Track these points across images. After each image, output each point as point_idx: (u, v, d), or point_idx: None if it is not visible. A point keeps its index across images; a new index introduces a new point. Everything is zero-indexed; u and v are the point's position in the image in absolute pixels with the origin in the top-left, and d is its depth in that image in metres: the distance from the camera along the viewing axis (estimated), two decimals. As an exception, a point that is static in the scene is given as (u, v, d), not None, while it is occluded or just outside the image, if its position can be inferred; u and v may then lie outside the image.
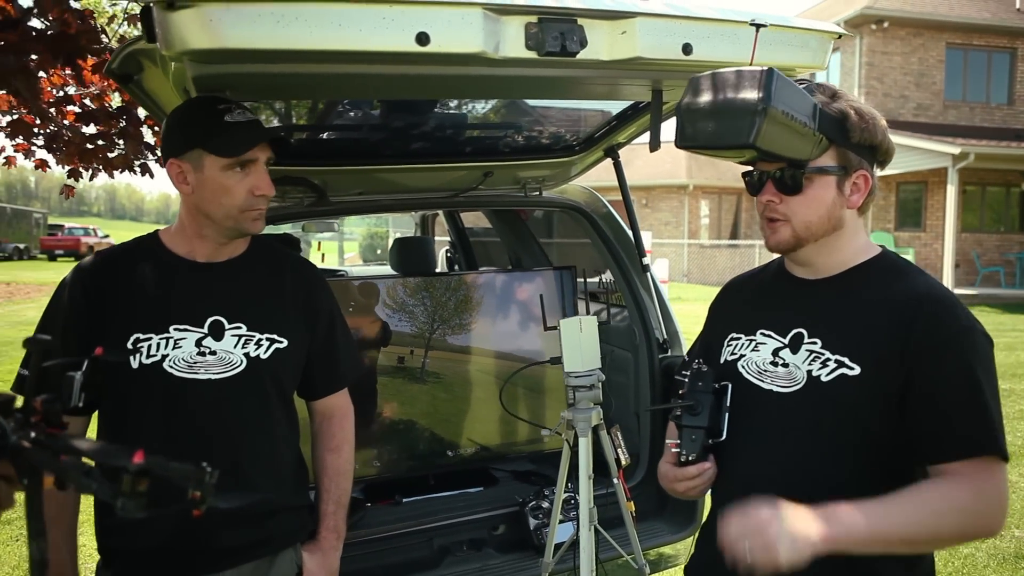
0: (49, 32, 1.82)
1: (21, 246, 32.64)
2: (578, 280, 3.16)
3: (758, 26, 1.48)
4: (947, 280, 15.56)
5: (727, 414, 1.47)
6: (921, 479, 1.39)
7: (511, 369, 3.03)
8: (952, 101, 18.94)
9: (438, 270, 4.01)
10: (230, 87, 1.72)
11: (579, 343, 2.16)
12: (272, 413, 1.78)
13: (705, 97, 1.37)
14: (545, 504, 2.65)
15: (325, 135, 2.56)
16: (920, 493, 1.34)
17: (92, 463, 0.92)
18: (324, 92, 1.81)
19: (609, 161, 2.90)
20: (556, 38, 1.62)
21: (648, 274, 2.93)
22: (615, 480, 2.24)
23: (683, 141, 1.42)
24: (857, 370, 1.39)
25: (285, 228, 5.58)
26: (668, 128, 1.86)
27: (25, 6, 1.87)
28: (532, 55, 1.61)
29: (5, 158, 3.65)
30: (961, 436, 1.35)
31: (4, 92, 3.01)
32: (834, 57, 19.72)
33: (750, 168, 1.49)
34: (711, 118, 1.36)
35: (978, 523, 1.35)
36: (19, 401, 0.97)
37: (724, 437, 1.46)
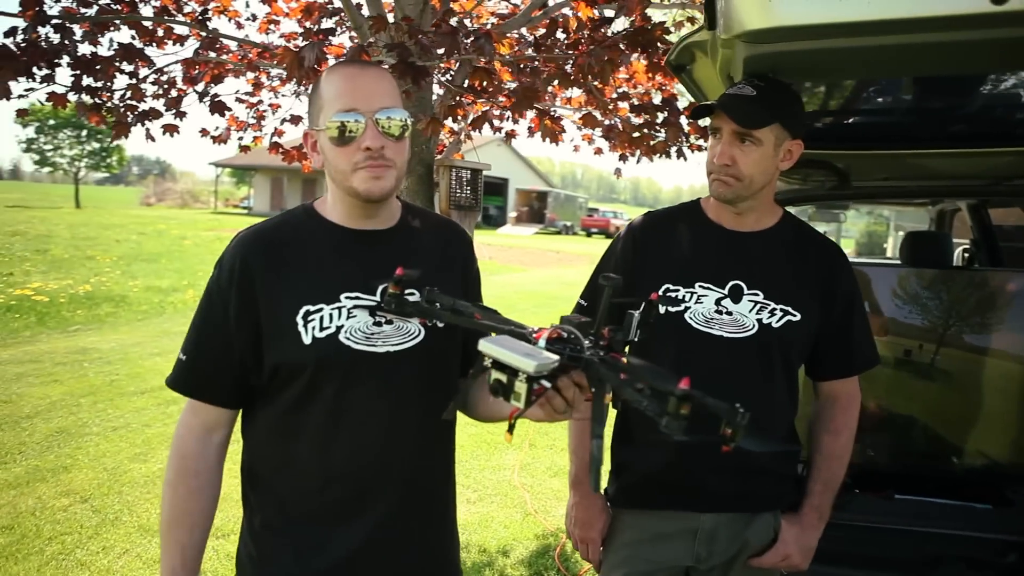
0: (627, 30, 2.04)
1: (568, 223, 38.09)
2: None
3: None
4: None
5: None
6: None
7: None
8: None
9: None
10: (777, 67, 1.68)
11: None
12: (775, 380, 1.73)
13: None
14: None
15: (852, 118, 2.36)
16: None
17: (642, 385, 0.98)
18: (875, 69, 1.65)
19: None
20: None
21: None
22: None
23: None
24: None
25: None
26: None
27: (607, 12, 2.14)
28: None
29: (574, 146, 4.24)
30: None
31: (581, 93, 3.47)
32: None
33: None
34: None
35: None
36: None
37: None
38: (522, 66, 1.76)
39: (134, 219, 26.78)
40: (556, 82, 2.39)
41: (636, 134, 3.38)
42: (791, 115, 1.67)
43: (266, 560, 1.39)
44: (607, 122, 3.37)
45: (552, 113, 3.70)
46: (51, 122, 38.85)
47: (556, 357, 1.00)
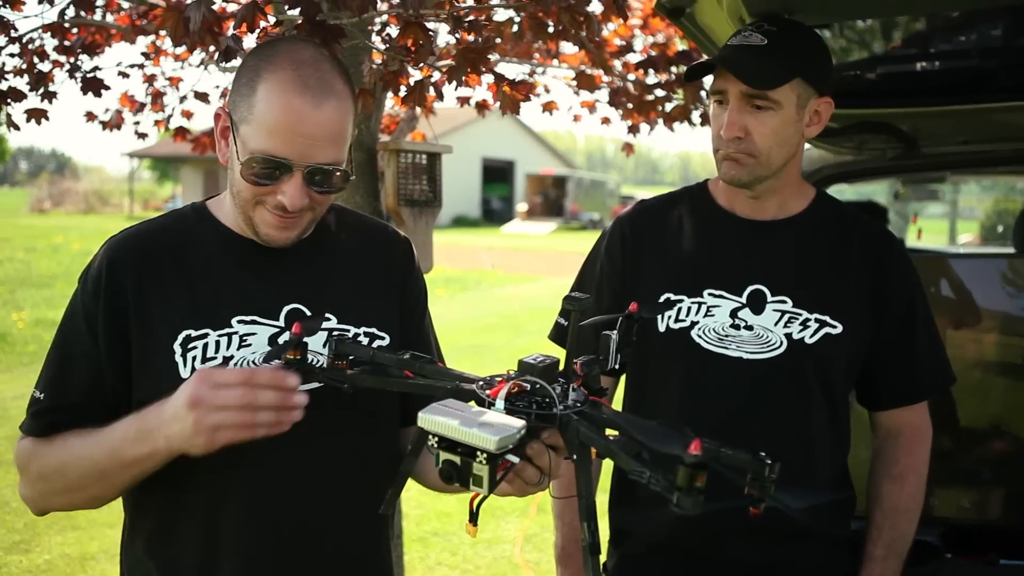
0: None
1: (596, 217, 37.99)
2: None
3: None
4: None
5: None
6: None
7: None
8: None
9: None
10: (791, 8, 1.73)
11: None
12: (812, 411, 1.76)
13: None
14: None
15: (916, 66, 2.40)
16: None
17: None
18: (893, 5, 1.69)
19: None
20: None
21: None
22: None
23: None
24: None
25: (869, 192, 5.42)
26: None
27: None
28: None
29: (574, 116, 4.27)
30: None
31: (577, 49, 3.51)
32: None
33: None
34: None
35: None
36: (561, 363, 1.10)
37: None
38: (463, 21, 1.80)
39: (22, 231, 27.09)
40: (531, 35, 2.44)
41: (648, 97, 3.42)
42: (815, 66, 1.70)
43: None
44: (611, 85, 3.41)
45: (536, 74, 3.74)
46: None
47: (521, 424, 0.99)
